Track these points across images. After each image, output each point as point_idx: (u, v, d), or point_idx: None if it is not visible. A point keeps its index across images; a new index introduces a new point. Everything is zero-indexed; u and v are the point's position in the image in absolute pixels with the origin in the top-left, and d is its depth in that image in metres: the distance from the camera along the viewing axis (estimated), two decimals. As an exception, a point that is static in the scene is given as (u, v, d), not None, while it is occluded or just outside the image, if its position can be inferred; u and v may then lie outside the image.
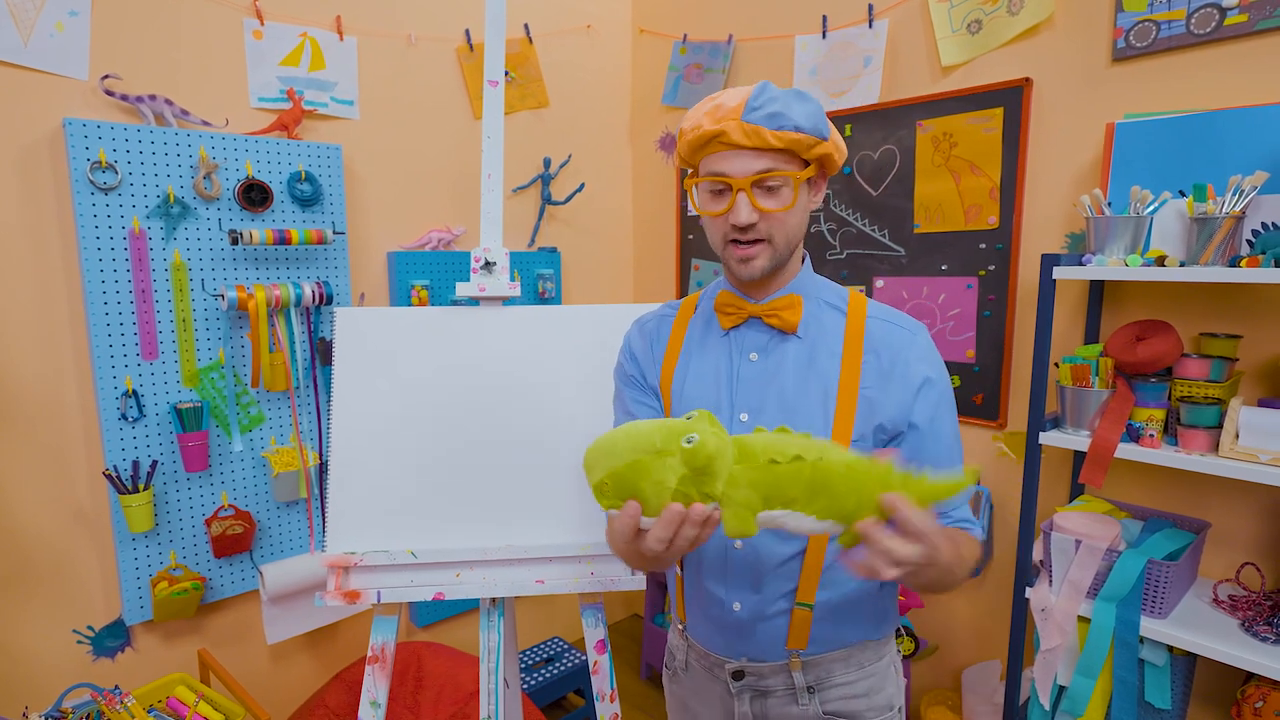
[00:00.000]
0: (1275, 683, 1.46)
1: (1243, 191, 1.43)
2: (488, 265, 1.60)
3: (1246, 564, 1.64)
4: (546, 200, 2.65)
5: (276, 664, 2.19)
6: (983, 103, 1.96)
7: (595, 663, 1.51)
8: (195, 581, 1.88)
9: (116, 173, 1.74)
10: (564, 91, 2.67)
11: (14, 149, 1.67)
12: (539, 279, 2.59)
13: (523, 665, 2.49)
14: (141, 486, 1.80)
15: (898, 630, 2.00)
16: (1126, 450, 1.56)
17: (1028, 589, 1.71)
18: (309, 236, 1.97)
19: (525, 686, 2.34)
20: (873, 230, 2.24)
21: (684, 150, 0.98)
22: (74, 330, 1.78)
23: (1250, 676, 1.54)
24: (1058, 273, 1.61)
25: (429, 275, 2.32)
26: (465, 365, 1.55)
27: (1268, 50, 1.55)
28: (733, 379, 1.03)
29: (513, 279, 2.21)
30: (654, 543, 0.79)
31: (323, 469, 2.11)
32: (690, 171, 1.02)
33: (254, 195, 1.93)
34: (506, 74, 2.44)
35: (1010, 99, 1.91)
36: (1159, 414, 1.58)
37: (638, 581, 1.51)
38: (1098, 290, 1.79)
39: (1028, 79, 1.87)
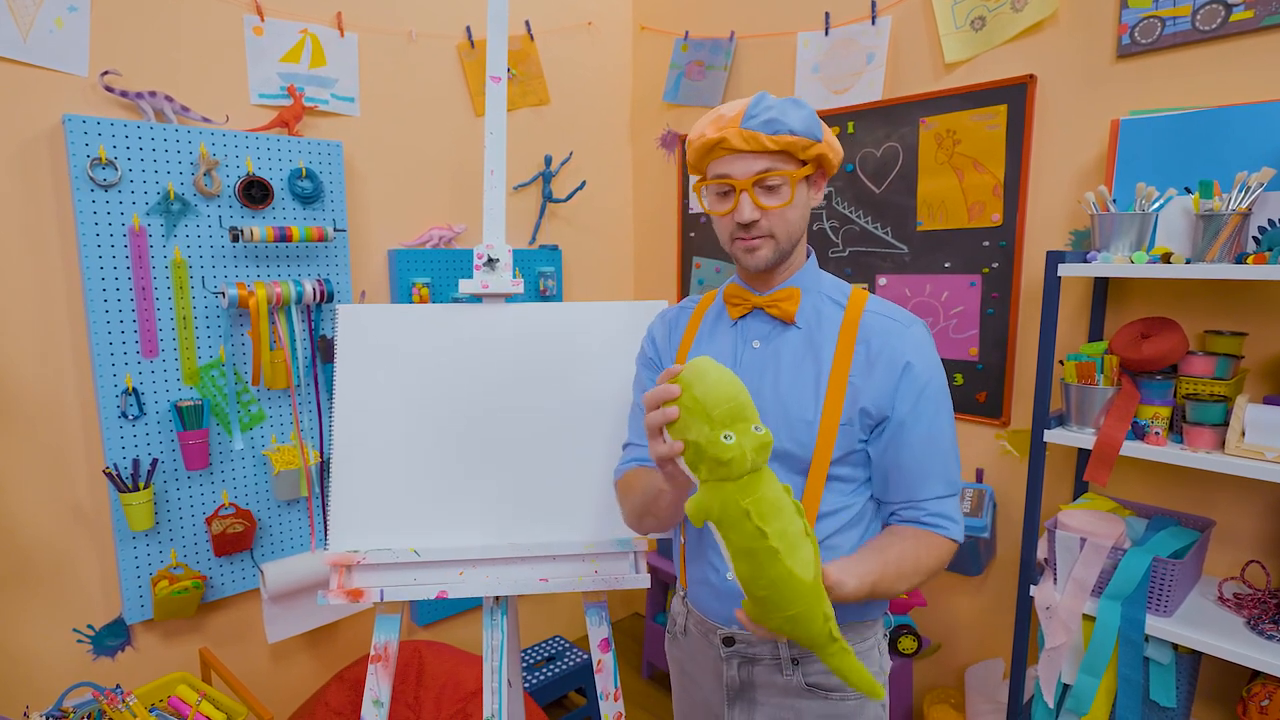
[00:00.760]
0: (1281, 681, 1.46)
1: (1249, 188, 1.43)
2: (491, 262, 1.60)
3: (1252, 562, 1.64)
4: (548, 198, 2.64)
5: (277, 663, 2.18)
6: (986, 100, 1.95)
7: (599, 661, 1.51)
8: (196, 580, 1.87)
9: (116, 169, 1.73)
10: (565, 89, 2.66)
11: (13, 145, 1.66)
12: (540, 276, 2.59)
13: (524, 664, 2.48)
14: (142, 485, 1.79)
15: (901, 629, 2.00)
16: (1131, 448, 1.56)
17: (1032, 587, 1.70)
18: (310, 234, 1.97)
19: (526, 685, 2.34)
20: (876, 228, 2.24)
21: (692, 157, 1.09)
22: (74, 328, 1.77)
23: (1256, 674, 1.54)
24: (1063, 270, 1.60)
25: (430, 273, 2.32)
26: (468, 362, 1.54)
27: (1273, 46, 1.55)
28: (736, 364, 1.12)
29: (515, 276, 2.20)
30: (649, 420, 0.86)
31: (323, 467, 2.11)
32: (699, 177, 1.12)
33: (254, 192, 1.92)
34: (508, 71, 2.43)
35: (1014, 96, 1.90)
36: (1164, 411, 1.58)
37: (641, 580, 1.50)
38: (1102, 287, 1.79)
39: (1031, 75, 1.87)
